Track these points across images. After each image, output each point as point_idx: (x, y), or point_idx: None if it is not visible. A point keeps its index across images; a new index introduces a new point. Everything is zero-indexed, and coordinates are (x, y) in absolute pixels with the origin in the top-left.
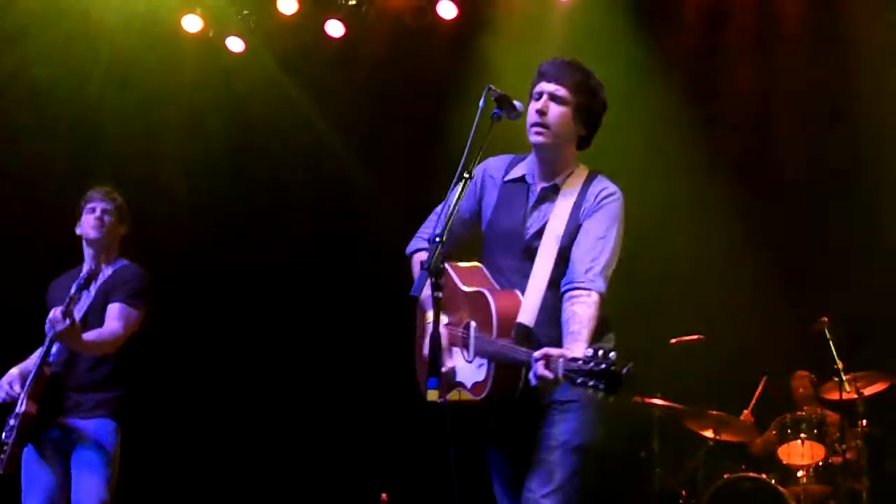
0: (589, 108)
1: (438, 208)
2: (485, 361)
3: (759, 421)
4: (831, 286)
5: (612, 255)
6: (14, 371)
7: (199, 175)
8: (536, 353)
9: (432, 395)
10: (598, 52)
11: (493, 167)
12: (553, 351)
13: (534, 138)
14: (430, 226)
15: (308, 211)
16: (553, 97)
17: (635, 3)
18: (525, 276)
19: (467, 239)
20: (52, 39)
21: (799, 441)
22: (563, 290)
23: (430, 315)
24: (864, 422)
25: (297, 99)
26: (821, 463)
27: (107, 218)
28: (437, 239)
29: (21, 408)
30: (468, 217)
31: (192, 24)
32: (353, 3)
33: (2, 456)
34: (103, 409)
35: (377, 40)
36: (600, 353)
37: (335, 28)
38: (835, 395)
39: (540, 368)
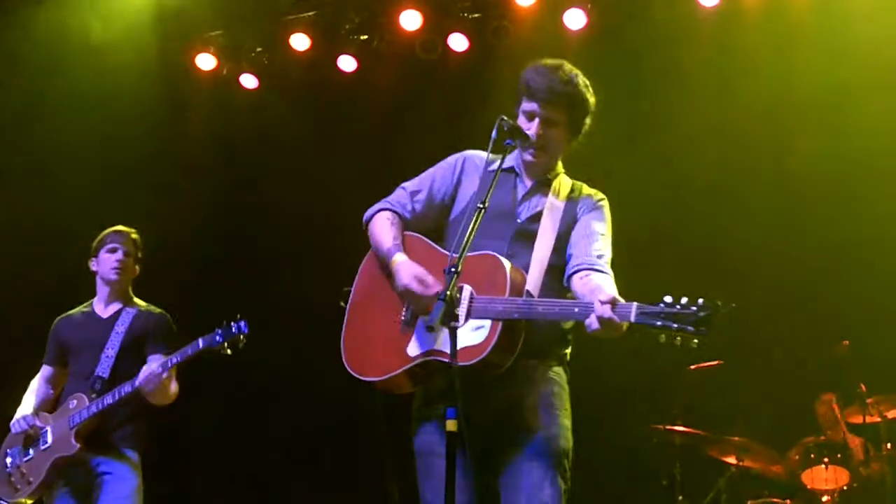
0: (579, 119)
1: (407, 184)
2: (486, 324)
3: (780, 445)
4: (852, 308)
5: (610, 256)
6: (28, 412)
7: (210, 212)
8: (602, 297)
9: (451, 424)
10: (609, 83)
11: (474, 156)
12: (620, 298)
13: (528, 158)
14: (398, 198)
15: (325, 247)
16: (546, 121)
17: (645, 33)
18: (511, 257)
19: (432, 221)
20: (74, 82)
21: (823, 466)
22: (574, 269)
23: (407, 265)
24: (889, 445)
25: (311, 133)
26: (845, 487)
27: (127, 260)
28: (453, 269)
29: (72, 444)
30: (440, 200)
31: (205, 62)
32: (365, 37)
33: (26, 488)
34: (128, 441)
35: (389, 74)
36: (683, 298)
37: (347, 63)
38: (858, 419)
39: (607, 311)
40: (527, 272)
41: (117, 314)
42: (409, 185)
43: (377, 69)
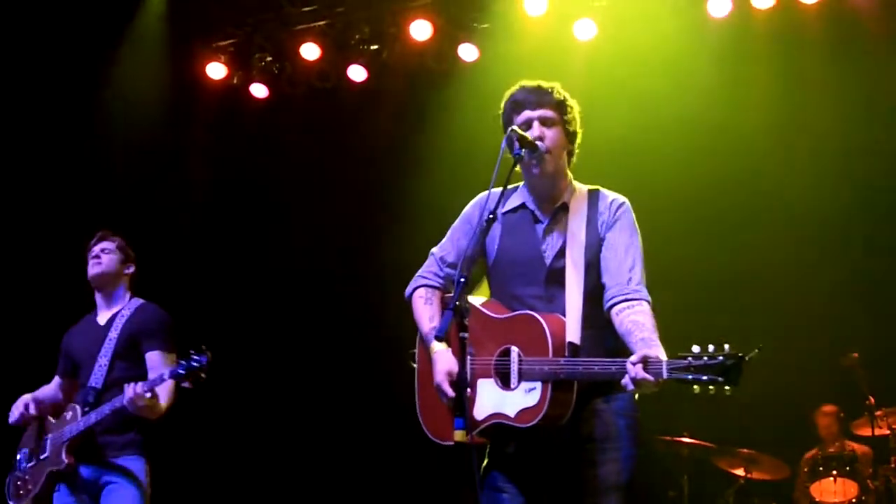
0: (571, 120)
1: (436, 250)
2: (536, 385)
3: (789, 457)
4: (861, 319)
5: (642, 263)
6: (27, 396)
7: (218, 220)
8: (633, 358)
9: (460, 435)
10: (619, 91)
11: (485, 196)
12: (650, 353)
13: (537, 171)
14: (429, 268)
15: (329, 256)
16: (543, 121)
17: (654, 41)
18: (550, 300)
19: (478, 276)
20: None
21: (831, 478)
22: (610, 303)
23: (444, 357)
24: None
25: (320, 142)
26: (854, 500)
27: (104, 256)
28: (462, 279)
29: (62, 459)
30: (471, 256)
31: (215, 71)
32: (375, 47)
33: (25, 497)
34: (133, 447)
35: (399, 84)
36: (710, 347)
37: (357, 73)
38: (866, 431)
39: (640, 372)
40: (565, 314)
41: (112, 319)
42: (438, 250)
43: (387, 79)
